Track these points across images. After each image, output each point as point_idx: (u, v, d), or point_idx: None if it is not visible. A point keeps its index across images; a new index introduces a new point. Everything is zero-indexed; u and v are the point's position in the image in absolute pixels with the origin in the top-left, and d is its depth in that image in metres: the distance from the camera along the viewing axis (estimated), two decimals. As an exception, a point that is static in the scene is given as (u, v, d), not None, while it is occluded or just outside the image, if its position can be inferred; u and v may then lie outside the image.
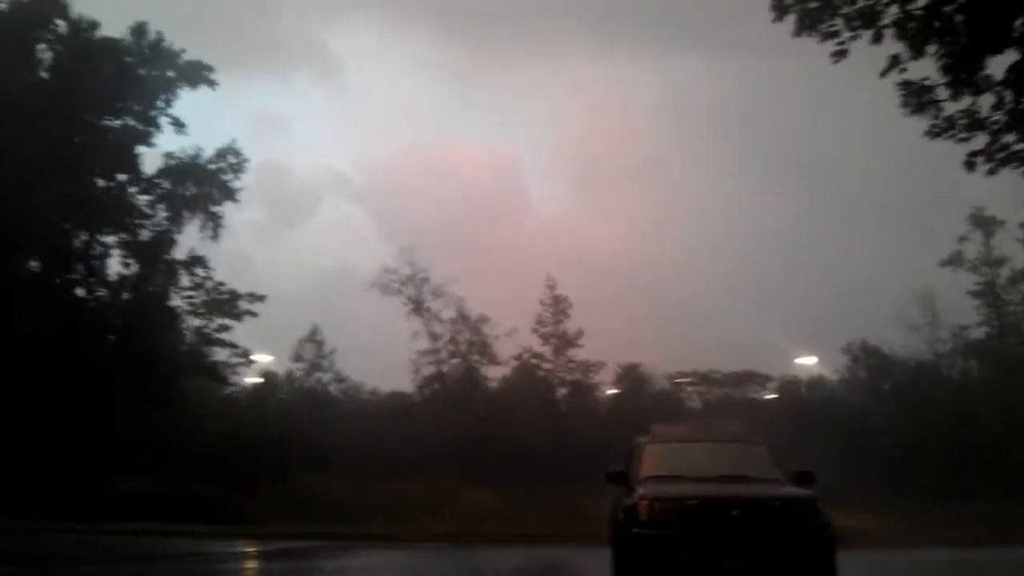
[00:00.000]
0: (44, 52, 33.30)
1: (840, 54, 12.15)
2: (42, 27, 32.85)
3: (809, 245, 64.12)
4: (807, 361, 45.55)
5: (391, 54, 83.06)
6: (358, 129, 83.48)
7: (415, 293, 41.16)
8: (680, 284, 59.61)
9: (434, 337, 41.51)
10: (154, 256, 34.48)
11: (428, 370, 41.89)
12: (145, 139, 34.62)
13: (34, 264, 33.30)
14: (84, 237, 34.04)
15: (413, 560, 20.01)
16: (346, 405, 44.17)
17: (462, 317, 41.62)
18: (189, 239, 34.92)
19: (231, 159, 35.34)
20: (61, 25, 33.09)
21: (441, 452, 33.14)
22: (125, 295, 34.38)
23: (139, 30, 33.97)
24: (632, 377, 44.07)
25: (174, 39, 34.52)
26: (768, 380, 46.17)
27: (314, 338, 43.73)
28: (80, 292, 34.20)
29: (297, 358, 43.96)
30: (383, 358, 45.99)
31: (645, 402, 40.25)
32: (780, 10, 11.90)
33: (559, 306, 41.12)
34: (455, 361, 42.15)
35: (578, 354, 41.41)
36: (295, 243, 69.29)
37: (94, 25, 33.39)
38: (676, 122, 74.86)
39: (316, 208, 78.74)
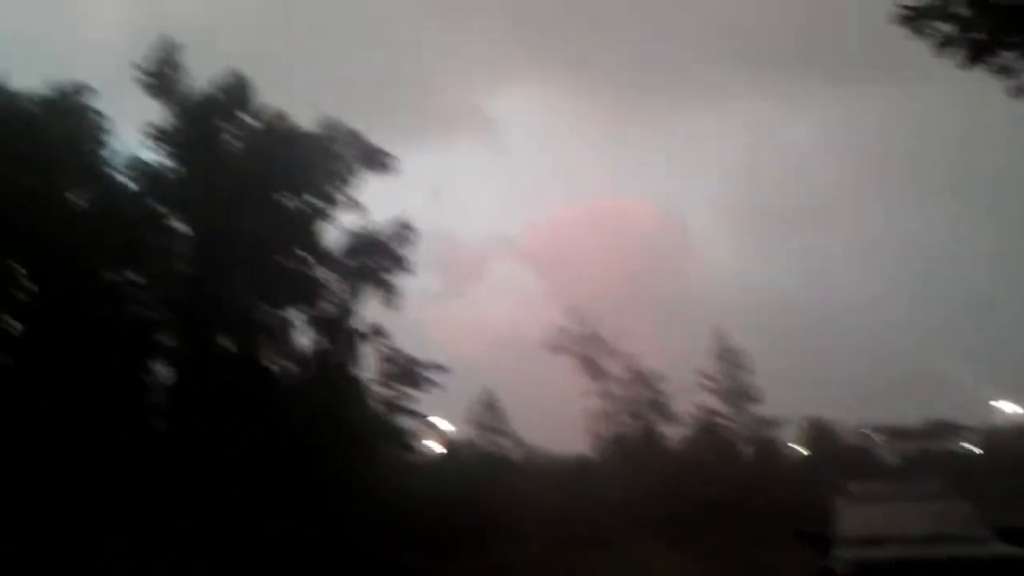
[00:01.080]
0: (232, 141, 35.79)
1: (1021, 90, 11.27)
2: (230, 117, 35.52)
3: (998, 279, 60.33)
4: (1009, 407, 42.78)
5: (551, 114, 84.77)
6: (526, 192, 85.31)
7: (587, 352, 41.33)
8: (860, 327, 57.17)
9: (609, 396, 41.49)
10: (337, 328, 36.11)
11: (605, 430, 41.81)
12: (326, 217, 36.68)
13: (226, 341, 35.41)
14: (272, 312, 36.10)
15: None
16: (526, 469, 44.51)
17: (636, 375, 41.43)
18: (370, 310, 36.61)
19: (402, 230, 37.05)
20: (246, 117, 35.62)
21: (627, 515, 32.87)
22: (312, 367, 36.35)
23: (328, 123, 36.21)
24: (818, 430, 42.53)
25: (341, 111, 36.84)
26: (967, 430, 43.48)
27: (489, 401, 44.53)
28: (270, 366, 36.36)
29: (475, 422, 44.81)
30: (558, 419, 46.21)
31: (834, 457, 38.65)
32: (945, 43, 11.10)
33: (732, 359, 40.30)
34: (632, 421, 41.90)
35: (759, 408, 40.40)
36: (466, 307, 71.05)
37: (283, 117, 36.04)
38: (845, 157, 72.65)
39: (485, 271, 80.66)
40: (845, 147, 73.64)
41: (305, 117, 36.21)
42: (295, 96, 42.31)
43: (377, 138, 37.13)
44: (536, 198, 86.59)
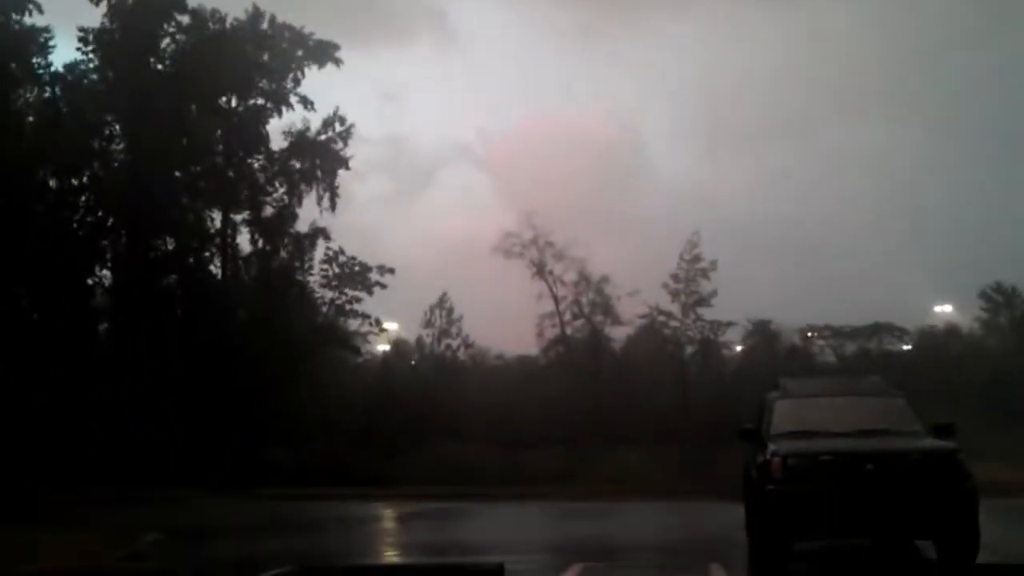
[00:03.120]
0: (168, 44, 34.80)
1: None
2: (165, 20, 34.29)
3: (942, 187, 61.22)
4: (943, 309, 43.97)
5: (511, 17, 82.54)
6: (480, 96, 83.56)
7: (537, 256, 41.28)
8: (811, 236, 57.87)
9: (557, 300, 41.67)
10: (278, 231, 35.79)
11: (552, 333, 42.12)
12: (271, 118, 35.98)
13: (170, 243, 34.97)
14: (215, 215, 35.77)
15: (559, 513, 20.52)
16: (475, 370, 44.89)
17: (584, 278, 41.51)
18: (313, 212, 36.25)
19: (337, 127, 36.33)
20: (182, 18, 34.48)
21: (571, 414, 33.43)
22: (253, 271, 36.03)
23: (255, 16, 35.18)
24: (762, 333, 43.22)
25: (295, 16, 35.76)
26: (903, 332, 44.57)
27: (443, 305, 44.54)
28: (214, 269, 35.96)
29: (427, 324, 44.85)
30: (508, 322, 46.45)
31: (776, 358, 39.44)
32: None
33: (697, 264, 40.26)
34: (579, 323, 42.23)
35: (707, 313, 40.81)
36: (420, 213, 70.31)
37: (216, 16, 34.81)
38: (810, 67, 72.16)
39: (440, 178, 79.49)
40: (810, 59, 72.95)
41: (245, 15, 35.30)
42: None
43: (333, 36, 36.42)
44: (495, 103, 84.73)
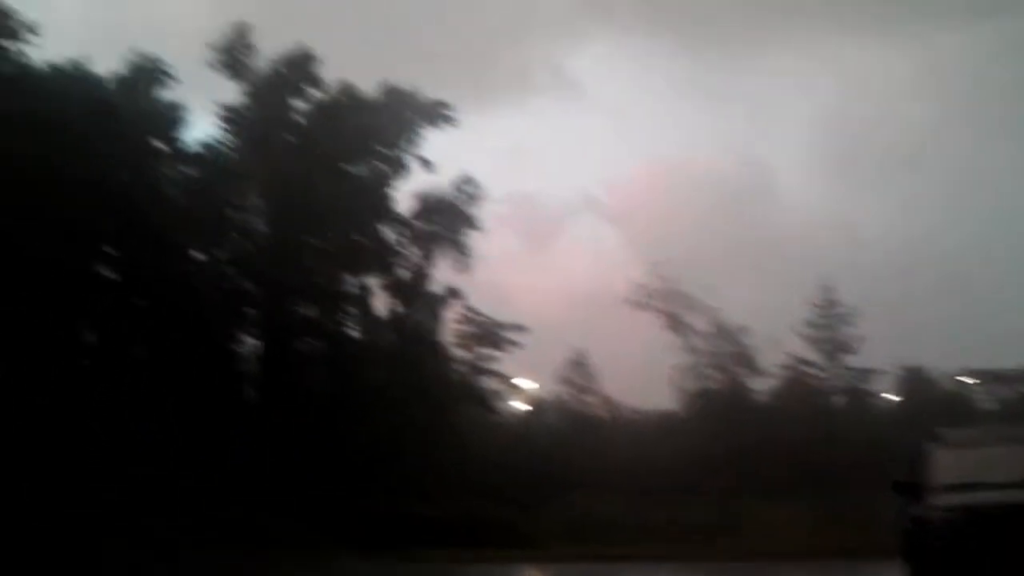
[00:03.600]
0: (298, 116, 36.19)
1: None
2: (296, 94, 35.74)
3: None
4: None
5: (631, 66, 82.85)
6: (604, 147, 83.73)
7: (669, 307, 40.80)
8: (955, 270, 54.95)
9: (693, 351, 40.98)
10: (412, 292, 36.55)
11: (691, 385, 41.37)
12: (395, 181, 36.93)
13: (308, 310, 35.98)
14: (350, 279, 36.64)
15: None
16: (612, 424, 44.46)
17: (719, 328, 40.79)
18: (445, 273, 36.92)
19: (468, 189, 37.04)
20: (312, 91, 35.86)
21: (716, 468, 32.63)
22: (389, 332, 36.81)
23: (380, 86, 36.24)
24: (914, 379, 41.32)
25: (414, 77, 36.78)
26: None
27: (578, 360, 44.45)
28: (352, 332, 36.83)
29: (563, 381, 44.79)
30: (641, 374, 45.74)
31: (931, 406, 37.53)
32: None
33: (833, 309, 39.06)
34: (718, 375, 41.37)
35: (852, 359, 39.34)
36: (548, 267, 70.52)
37: (344, 88, 36.17)
38: (940, 97, 69.42)
39: (568, 230, 79.66)
40: (937, 85, 70.34)
41: (374, 82, 36.51)
42: (367, 61, 42.35)
43: (455, 99, 37.23)
44: (620, 153, 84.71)
